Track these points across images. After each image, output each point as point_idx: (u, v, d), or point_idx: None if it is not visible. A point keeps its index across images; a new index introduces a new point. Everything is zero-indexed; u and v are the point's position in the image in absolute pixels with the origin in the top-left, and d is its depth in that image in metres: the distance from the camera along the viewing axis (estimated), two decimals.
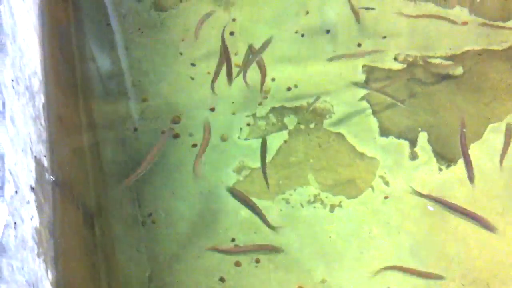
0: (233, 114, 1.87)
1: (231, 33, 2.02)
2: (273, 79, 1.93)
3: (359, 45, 2.03)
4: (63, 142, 1.43)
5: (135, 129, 1.82)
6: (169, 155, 1.76)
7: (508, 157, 1.72)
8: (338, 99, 1.90)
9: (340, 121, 1.85)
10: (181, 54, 2.01)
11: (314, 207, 1.69)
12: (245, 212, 1.65)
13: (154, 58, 1.99)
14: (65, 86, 1.65)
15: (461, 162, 1.73)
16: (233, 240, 1.62)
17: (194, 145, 1.78)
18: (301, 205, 1.69)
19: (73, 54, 1.82)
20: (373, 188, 1.71)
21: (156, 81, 1.93)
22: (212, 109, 1.86)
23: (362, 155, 1.78)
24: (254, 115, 1.87)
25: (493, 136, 1.80)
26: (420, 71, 1.93)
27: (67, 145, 1.47)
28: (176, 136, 1.81)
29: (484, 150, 1.77)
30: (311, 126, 1.84)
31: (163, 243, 1.61)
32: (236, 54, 1.96)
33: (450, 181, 1.72)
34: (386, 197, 1.69)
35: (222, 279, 1.56)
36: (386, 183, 1.71)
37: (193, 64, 1.98)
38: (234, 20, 2.00)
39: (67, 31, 1.86)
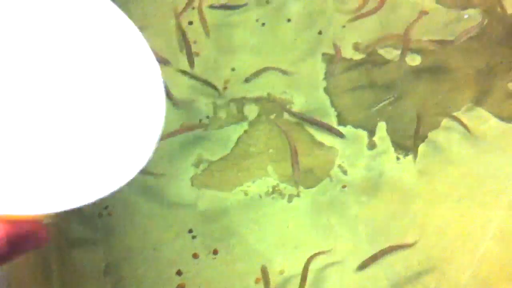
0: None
1: (190, 23, 1.99)
2: (233, 69, 1.91)
3: (320, 32, 2.01)
4: None
5: None
6: None
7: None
8: (298, 89, 1.89)
9: (300, 111, 1.84)
10: None
11: (273, 197, 1.69)
12: (202, 204, 1.65)
13: None
14: None
15: (420, 152, 1.75)
16: (190, 231, 1.61)
17: None
18: (260, 196, 1.69)
19: None
20: (331, 178, 1.72)
21: None
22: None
23: (320, 145, 1.78)
24: (214, 104, 1.85)
25: (452, 124, 1.81)
26: (379, 60, 1.93)
27: None
28: None
29: (441, 140, 1.79)
30: (272, 116, 1.83)
31: (120, 236, 1.59)
32: (195, 42, 1.94)
33: (408, 170, 1.74)
34: (344, 186, 1.70)
35: (179, 272, 1.55)
36: (344, 172, 1.73)
37: None
38: (193, 8, 1.96)
39: None
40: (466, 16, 1.98)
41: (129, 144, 0.39)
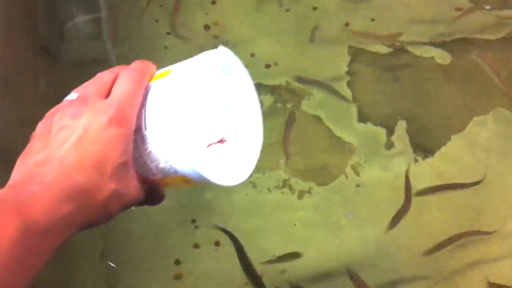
0: None
1: (213, 2, 1.92)
2: (252, 55, 1.84)
3: (347, 24, 1.92)
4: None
5: None
6: None
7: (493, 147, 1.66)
8: (319, 81, 1.80)
9: (319, 104, 1.76)
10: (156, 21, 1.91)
11: (282, 192, 1.61)
12: (208, 194, 1.58)
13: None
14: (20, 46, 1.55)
15: (438, 154, 1.66)
16: (193, 221, 1.55)
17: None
18: (269, 189, 1.62)
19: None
20: (346, 176, 1.64)
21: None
22: None
23: (338, 141, 1.70)
24: None
25: (476, 129, 1.71)
26: (407, 56, 1.84)
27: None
28: None
29: (466, 143, 1.69)
30: (288, 106, 1.75)
31: (121, 220, 1.54)
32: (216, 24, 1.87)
33: (425, 173, 1.64)
34: (358, 186, 1.62)
35: (177, 262, 1.50)
36: (360, 172, 1.64)
37: (168, 33, 1.89)
38: None
39: None
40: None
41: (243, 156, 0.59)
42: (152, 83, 0.55)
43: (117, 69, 0.56)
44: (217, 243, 1.53)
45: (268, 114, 1.72)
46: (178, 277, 1.48)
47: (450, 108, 1.74)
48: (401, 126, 1.72)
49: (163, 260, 1.50)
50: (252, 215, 1.57)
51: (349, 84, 1.80)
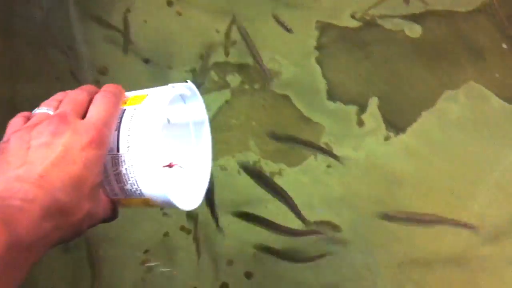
0: (170, 68, 1.71)
1: None
2: (217, 31, 1.76)
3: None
4: None
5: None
6: None
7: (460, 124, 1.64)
8: (287, 58, 1.74)
9: (287, 83, 1.71)
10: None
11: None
12: None
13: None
14: None
15: (410, 131, 1.63)
16: (164, 213, 1.50)
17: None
18: (238, 172, 1.58)
19: None
20: (315, 156, 1.60)
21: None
22: (146, 61, 1.69)
23: (307, 120, 1.65)
24: (193, 71, 1.71)
25: (447, 105, 1.69)
26: (377, 31, 1.79)
27: None
28: None
29: (435, 119, 1.66)
30: (256, 86, 1.70)
31: None
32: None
33: (397, 151, 1.62)
34: (328, 166, 1.59)
35: (146, 252, 1.45)
36: (330, 151, 1.60)
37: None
38: None
39: None
40: None
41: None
42: (126, 107, 0.58)
43: (88, 88, 0.59)
44: (188, 231, 1.49)
45: (235, 95, 1.67)
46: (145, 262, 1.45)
47: (420, 84, 1.71)
48: (372, 103, 1.68)
49: (131, 253, 1.45)
50: (223, 198, 1.53)
51: (318, 60, 1.75)
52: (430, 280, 1.47)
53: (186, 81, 0.63)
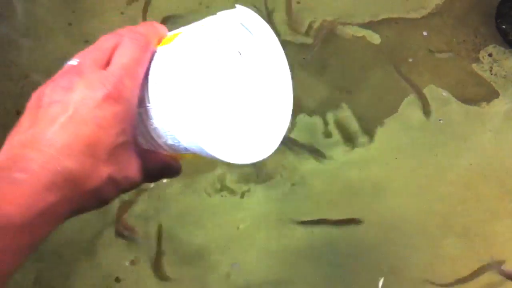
0: None
1: None
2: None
3: (267, 8, 1.85)
4: None
5: None
6: None
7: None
8: None
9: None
10: None
11: (221, 195, 1.56)
12: (142, 203, 1.51)
13: None
14: None
15: (377, 138, 1.64)
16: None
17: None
18: (208, 194, 1.56)
19: None
20: (281, 175, 1.59)
21: None
22: None
23: None
24: None
25: (410, 109, 1.70)
26: (336, 40, 1.80)
27: None
28: None
29: (399, 124, 1.68)
30: None
31: (49, 242, 1.45)
32: None
33: (365, 159, 1.62)
34: (293, 185, 1.58)
35: (117, 279, 1.43)
36: (294, 168, 1.60)
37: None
38: None
39: None
40: None
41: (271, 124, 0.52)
42: (158, 48, 0.49)
43: (123, 31, 0.50)
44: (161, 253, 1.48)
45: None
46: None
47: (381, 90, 1.72)
48: (337, 113, 1.69)
49: (101, 280, 1.43)
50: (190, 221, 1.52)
51: None
52: None
53: (235, 6, 0.50)
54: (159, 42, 0.50)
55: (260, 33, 0.52)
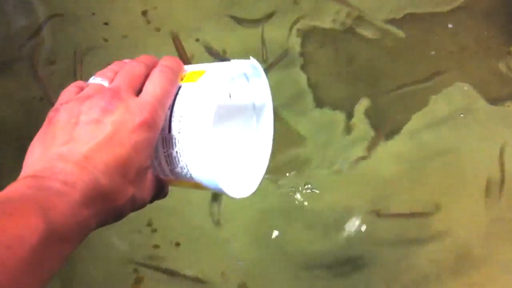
0: None
1: None
2: (197, 40, 1.73)
3: (295, 2, 1.83)
4: None
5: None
6: None
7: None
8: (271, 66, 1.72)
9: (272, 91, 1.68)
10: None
11: None
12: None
13: None
14: None
15: (398, 137, 1.62)
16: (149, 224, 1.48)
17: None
18: None
19: None
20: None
21: None
22: None
23: (292, 133, 1.62)
24: None
25: (436, 107, 1.68)
26: (360, 34, 1.77)
27: None
28: None
29: (427, 121, 1.65)
30: None
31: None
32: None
33: (388, 155, 1.60)
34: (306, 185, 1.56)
35: (136, 268, 1.43)
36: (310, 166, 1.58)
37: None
38: None
39: None
40: None
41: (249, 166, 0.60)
42: (182, 84, 0.54)
43: (147, 60, 0.55)
44: (177, 244, 1.47)
45: None
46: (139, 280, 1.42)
47: (406, 87, 1.70)
48: (359, 109, 1.66)
49: (121, 268, 1.43)
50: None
51: (303, 67, 1.73)
52: None
53: (249, 58, 0.58)
54: (181, 78, 0.55)
55: (255, 82, 0.61)
